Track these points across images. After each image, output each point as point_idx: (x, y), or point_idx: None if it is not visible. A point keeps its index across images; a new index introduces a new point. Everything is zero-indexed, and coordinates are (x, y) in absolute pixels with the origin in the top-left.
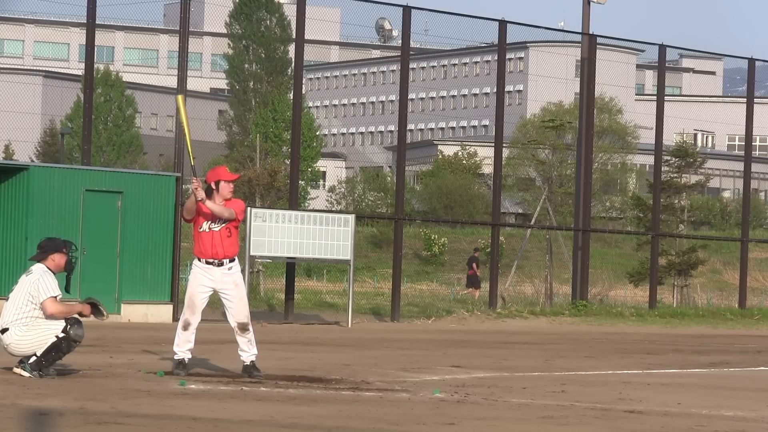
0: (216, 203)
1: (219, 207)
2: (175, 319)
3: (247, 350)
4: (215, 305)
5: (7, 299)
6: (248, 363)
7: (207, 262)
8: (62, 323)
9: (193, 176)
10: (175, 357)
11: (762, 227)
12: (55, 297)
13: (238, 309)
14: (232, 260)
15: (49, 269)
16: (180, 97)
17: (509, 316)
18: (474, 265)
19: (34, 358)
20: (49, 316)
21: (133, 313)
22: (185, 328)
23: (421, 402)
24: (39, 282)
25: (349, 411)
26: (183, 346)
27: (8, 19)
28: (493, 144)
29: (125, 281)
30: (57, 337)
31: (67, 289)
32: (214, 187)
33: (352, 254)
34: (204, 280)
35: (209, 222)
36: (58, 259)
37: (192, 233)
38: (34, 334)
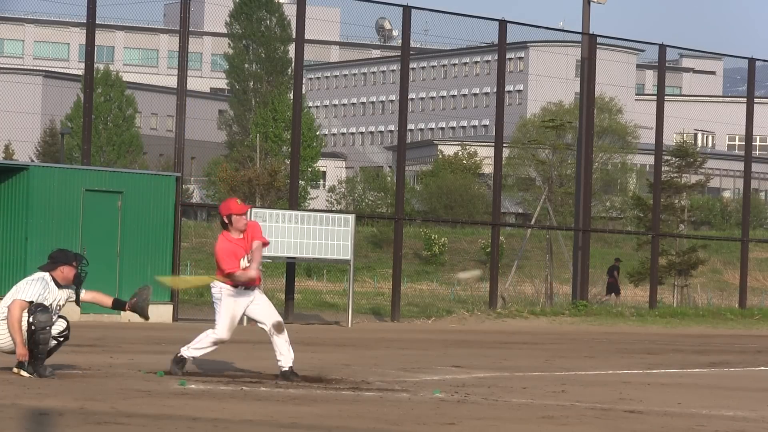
0: (233, 236)
1: (256, 266)
2: (175, 319)
3: (287, 354)
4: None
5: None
6: (287, 369)
7: (245, 289)
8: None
9: (229, 280)
10: (178, 355)
11: (762, 227)
12: (29, 303)
13: (269, 312)
14: None
15: (54, 279)
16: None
17: (509, 316)
18: (615, 273)
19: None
20: (8, 315)
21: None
22: (215, 345)
23: (421, 402)
24: (27, 283)
25: (349, 411)
26: (194, 354)
27: (8, 19)
28: (493, 144)
29: (125, 281)
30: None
31: (76, 302)
32: (227, 221)
33: (352, 254)
34: (243, 300)
35: (244, 259)
36: (66, 271)
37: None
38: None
